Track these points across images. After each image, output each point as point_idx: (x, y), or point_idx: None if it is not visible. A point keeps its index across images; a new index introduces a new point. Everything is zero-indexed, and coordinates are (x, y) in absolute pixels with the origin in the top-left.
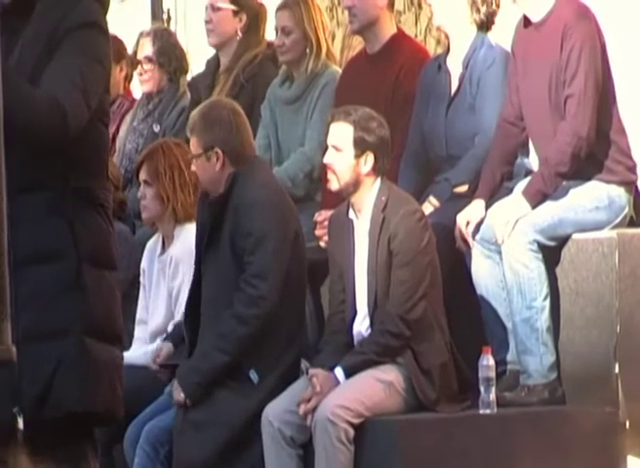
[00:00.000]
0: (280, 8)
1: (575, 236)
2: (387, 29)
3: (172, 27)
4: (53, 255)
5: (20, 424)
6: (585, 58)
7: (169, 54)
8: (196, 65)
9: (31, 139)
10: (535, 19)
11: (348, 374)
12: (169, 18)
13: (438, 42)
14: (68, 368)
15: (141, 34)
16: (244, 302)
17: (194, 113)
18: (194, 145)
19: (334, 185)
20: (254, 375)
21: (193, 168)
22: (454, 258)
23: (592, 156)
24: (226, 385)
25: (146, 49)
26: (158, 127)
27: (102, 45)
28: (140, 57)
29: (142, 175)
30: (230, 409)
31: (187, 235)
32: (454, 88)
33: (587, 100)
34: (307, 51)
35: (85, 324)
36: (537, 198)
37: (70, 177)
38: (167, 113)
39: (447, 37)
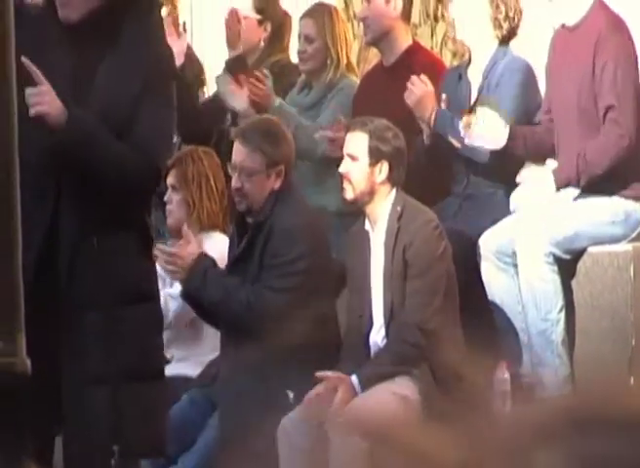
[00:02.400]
0: (304, 16)
1: (590, 249)
2: (403, 41)
3: (188, 40)
4: (143, 295)
5: (113, 462)
6: (621, 76)
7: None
8: (212, 78)
9: (126, 192)
10: (569, 22)
11: (364, 385)
12: (184, 31)
13: (454, 55)
14: (162, 412)
15: None
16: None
17: (249, 127)
18: (256, 161)
19: (349, 194)
20: (290, 395)
21: (246, 185)
22: (469, 269)
23: (612, 174)
24: (261, 400)
25: None
26: (177, 137)
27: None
28: None
29: (170, 180)
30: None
31: (213, 243)
32: (473, 98)
33: (628, 109)
34: (328, 61)
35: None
36: (564, 182)
37: (145, 217)
38: None
39: (468, 50)
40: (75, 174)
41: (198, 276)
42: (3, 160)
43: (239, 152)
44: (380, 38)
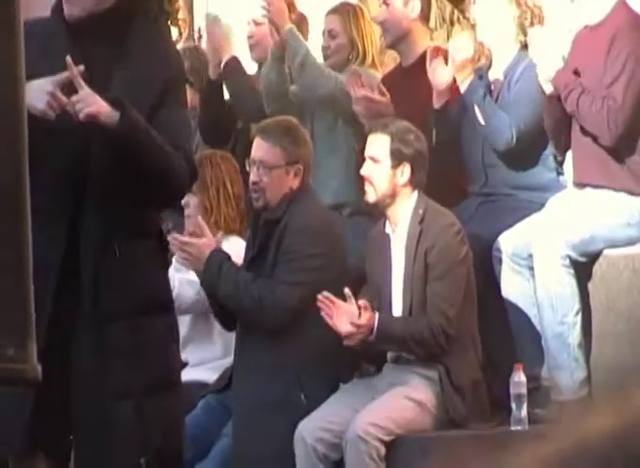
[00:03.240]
0: (330, 12)
1: (606, 252)
2: (421, 42)
3: (203, 46)
4: (161, 306)
5: None
6: (630, 68)
7: (199, 72)
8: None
9: (167, 193)
10: (590, 22)
11: (379, 324)
12: (200, 36)
13: None
14: (181, 420)
15: None
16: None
17: (270, 124)
18: (276, 155)
19: (371, 197)
20: (304, 398)
21: (265, 178)
22: (485, 271)
23: (626, 166)
24: (277, 409)
25: None
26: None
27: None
28: None
29: None
30: (276, 431)
31: (231, 247)
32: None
33: (624, 109)
34: (350, 57)
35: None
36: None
37: (160, 225)
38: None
39: (488, 53)
40: (100, 182)
41: (214, 269)
42: (12, 171)
43: (259, 148)
44: (398, 41)
